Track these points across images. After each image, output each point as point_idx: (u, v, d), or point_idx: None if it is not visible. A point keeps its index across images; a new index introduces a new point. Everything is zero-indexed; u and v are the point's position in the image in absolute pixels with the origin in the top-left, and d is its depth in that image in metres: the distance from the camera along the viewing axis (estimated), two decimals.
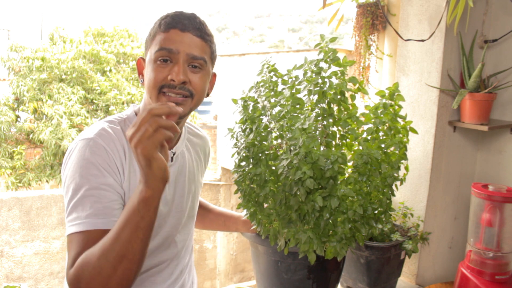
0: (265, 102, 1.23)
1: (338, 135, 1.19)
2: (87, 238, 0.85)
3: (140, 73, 1.02)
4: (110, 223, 0.88)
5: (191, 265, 1.25)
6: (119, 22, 8.14)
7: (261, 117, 1.23)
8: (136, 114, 1.04)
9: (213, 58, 1.02)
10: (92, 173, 0.89)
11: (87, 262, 0.80)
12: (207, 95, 1.06)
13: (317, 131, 1.13)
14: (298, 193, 1.10)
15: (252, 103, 1.25)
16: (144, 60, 1.01)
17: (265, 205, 1.22)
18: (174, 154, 1.06)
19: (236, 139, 1.26)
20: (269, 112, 1.23)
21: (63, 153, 6.39)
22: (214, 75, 1.08)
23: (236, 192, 1.24)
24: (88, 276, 0.78)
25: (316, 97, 1.13)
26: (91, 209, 0.87)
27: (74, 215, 0.87)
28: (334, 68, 1.15)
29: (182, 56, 0.93)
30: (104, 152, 0.91)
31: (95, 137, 0.92)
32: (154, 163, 0.76)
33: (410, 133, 1.27)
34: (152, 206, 0.79)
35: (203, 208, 1.38)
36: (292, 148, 1.11)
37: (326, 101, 1.14)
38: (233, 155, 1.26)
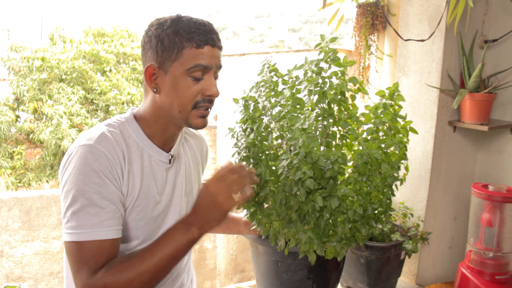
0: (266, 102, 1.23)
1: (338, 135, 1.19)
2: (94, 248, 0.88)
3: (153, 81, 0.97)
4: (114, 232, 0.90)
5: (190, 265, 1.25)
6: (119, 22, 8.13)
7: (262, 117, 1.23)
8: (135, 117, 1.03)
9: None
10: (94, 181, 0.89)
11: (119, 278, 0.86)
12: None
13: (317, 131, 1.13)
14: (298, 193, 1.10)
15: (253, 103, 1.25)
16: (157, 68, 0.96)
17: (265, 205, 1.22)
18: (172, 157, 1.06)
19: (237, 139, 1.26)
20: (269, 112, 1.23)
21: (63, 153, 6.39)
22: None
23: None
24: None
25: (316, 97, 1.13)
26: (95, 218, 0.88)
27: (76, 223, 0.87)
28: (334, 68, 1.15)
29: (213, 71, 0.97)
30: (105, 159, 0.91)
31: (96, 143, 0.92)
32: (223, 216, 0.94)
33: (410, 133, 1.27)
34: (196, 243, 0.94)
35: None
36: (292, 148, 1.11)
37: (327, 101, 1.14)
38: (233, 155, 1.26)
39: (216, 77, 1.00)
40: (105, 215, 0.89)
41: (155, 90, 0.97)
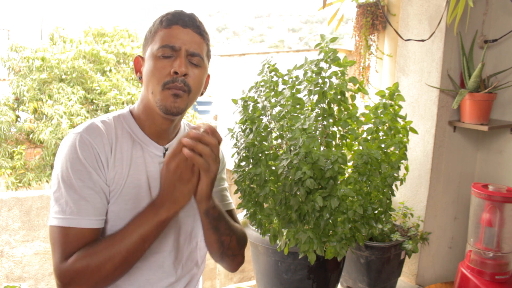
0: (265, 102, 1.23)
1: (338, 135, 1.19)
2: (72, 234, 0.90)
3: (138, 70, 1.05)
4: (93, 222, 0.92)
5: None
6: (119, 22, 8.13)
7: (261, 117, 1.23)
8: (131, 113, 1.05)
9: (209, 56, 1.05)
10: (77, 168, 0.92)
11: (90, 261, 0.86)
12: (201, 94, 1.08)
13: (317, 131, 1.13)
14: (298, 193, 1.10)
15: (252, 103, 1.25)
16: (142, 58, 1.03)
17: (265, 205, 1.22)
18: (166, 150, 1.06)
19: (236, 139, 1.26)
20: (269, 112, 1.23)
21: None
22: (208, 75, 1.10)
23: (236, 192, 1.24)
24: (88, 272, 0.86)
25: (316, 97, 1.13)
26: (75, 206, 0.90)
27: (58, 208, 0.91)
28: (334, 68, 1.15)
29: (184, 51, 0.97)
30: (90, 147, 0.94)
31: (83, 132, 0.96)
32: (191, 193, 0.91)
33: (410, 133, 1.27)
34: (166, 225, 0.91)
35: None
36: (292, 148, 1.11)
37: (326, 101, 1.14)
38: (233, 155, 1.26)
39: (195, 63, 0.98)
40: (85, 204, 0.91)
41: (139, 77, 1.03)
